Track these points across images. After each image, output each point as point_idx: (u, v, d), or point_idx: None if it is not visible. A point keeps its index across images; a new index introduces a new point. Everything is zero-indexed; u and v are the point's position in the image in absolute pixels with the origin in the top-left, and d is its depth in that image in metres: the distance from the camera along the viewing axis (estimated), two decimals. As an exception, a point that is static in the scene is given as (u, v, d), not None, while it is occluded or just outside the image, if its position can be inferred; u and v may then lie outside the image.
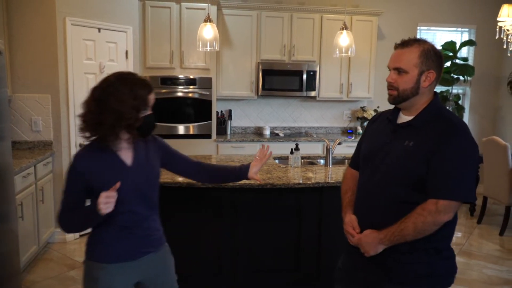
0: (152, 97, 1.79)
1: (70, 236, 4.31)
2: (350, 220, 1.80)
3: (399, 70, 1.67)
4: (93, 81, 4.42)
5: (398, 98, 1.69)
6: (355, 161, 1.96)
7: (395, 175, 1.67)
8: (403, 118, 1.75)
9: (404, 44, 1.68)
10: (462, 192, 1.58)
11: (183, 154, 2.13)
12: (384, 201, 1.70)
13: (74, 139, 4.28)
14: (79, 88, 4.29)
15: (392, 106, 1.80)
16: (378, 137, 1.81)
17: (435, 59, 1.66)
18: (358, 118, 6.08)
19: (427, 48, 1.66)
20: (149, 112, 1.78)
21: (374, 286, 1.73)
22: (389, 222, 1.65)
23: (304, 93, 5.63)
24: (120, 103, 1.68)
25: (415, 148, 1.63)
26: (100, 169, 1.73)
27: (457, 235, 4.81)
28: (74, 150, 4.27)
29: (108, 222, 1.73)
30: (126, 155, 1.79)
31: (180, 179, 2.96)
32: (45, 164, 3.98)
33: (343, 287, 1.89)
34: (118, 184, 1.65)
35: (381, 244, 1.64)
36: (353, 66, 5.73)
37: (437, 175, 1.57)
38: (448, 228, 1.67)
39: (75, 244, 4.25)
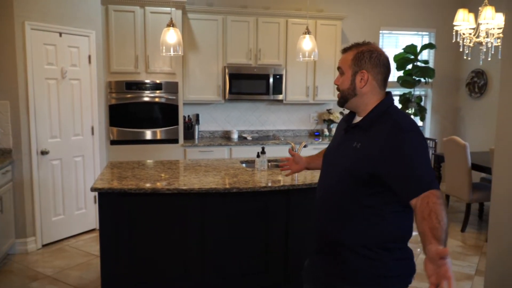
0: None
1: (32, 247, 4.18)
2: None
3: (340, 72, 1.75)
4: (54, 86, 4.32)
5: (341, 100, 1.77)
6: None
7: (345, 176, 1.68)
8: (356, 119, 1.78)
9: (347, 48, 1.76)
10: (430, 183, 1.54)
11: None
12: (336, 202, 1.72)
13: (36, 146, 4.16)
14: (40, 94, 4.18)
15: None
16: (335, 138, 1.88)
17: (369, 60, 1.68)
18: (324, 120, 6.17)
19: (361, 50, 1.70)
20: None
21: (333, 287, 1.75)
22: (341, 223, 1.69)
23: (271, 97, 5.67)
24: None
25: (362, 149, 1.64)
26: None
27: (421, 233, 4.93)
28: (35, 158, 4.15)
29: None
30: None
31: (148, 184, 2.92)
32: (4, 172, 3.84)
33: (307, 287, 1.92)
34: None
35: (442, 253, 1.31)
36: (319, 69, 5.81)
37: (404, 176, 1.56)
38: (402, 229, 1.68)
39: (37, 254, 4.12)
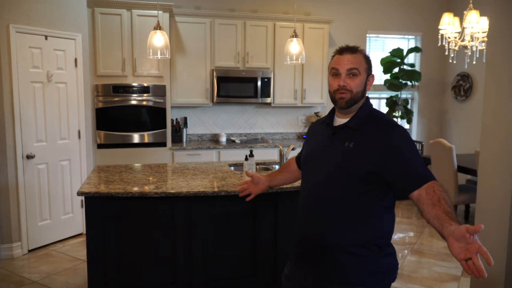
0: None
1: (18, 252, 4.12)
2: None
3: (353, 73, 1.71)
4: (40, 90, 4.27)
5: (351, 101, 1.72)
6: (298, 156, 2.16)
7: (338, 176, 1.70)
8: (339, 121, 1.80)
9: (352, 50, 1.75)
10: (430, 174, 1.63)
11: None
12: (327, 203, 1.73)
13: (21, 151, 4.11)
14: (25, 97, 4.13)
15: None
16: (318, 141, 1.85)
17: (371, 65, 1.80)
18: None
19: (367, 56, 1.78)
20: None
21: None
22: (333, 223, 1.71)
23: (259, 100, 5.67)
24: None
25: (356, 148, 1.67)
26: None
27: (409, 234, 4.98)
28: (20, 162, 4.09)
29: None
30: None
31: (136, 188, 2.90)
32: (-11, 177, 3.79)
33: None
34: None
35: (462, 229, 1.38)
36: (306, 72, 5.84)
37: (402, 170, 1.61)
38: (391, 225, 1.76)
39: (23, 260, 4.07)
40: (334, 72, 1.75)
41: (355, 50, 1.74)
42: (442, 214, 1.46)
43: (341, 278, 1.71)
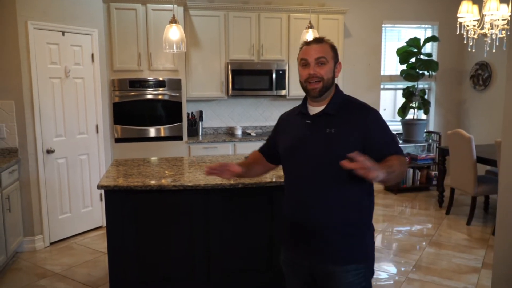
0: None
1: (40, 245, 4.21)
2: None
3: (321, 62, 1.80)
4: (58, 85, 4.33)
5: (323, 89, 1.82)
6: (263, 149, 2.19)
7: (324, 162, 1.78)
8: (314, 109, 1.88)
9: (318, 40, 1.86)
10: (400, 149, 1.84)
11: None
12: (316, 188, 1.80)
13: (41, 145, 4.18)
14: (44, 93, 4.19)
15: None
16: (296, 131, 1.90)
17: (338, 54, 1.89)
18: (328, 115, 6.15)
19: (333, 45, 1.88)
20: None
21: (320, 270, 1.85)
22: (323, 207, 1.79)
23: (274, 92, 5.66)
24: None
25: (337, 132, 1.77)
26: None
27: (427, 226, 4.94)
28: (41, 157, 4.17)
29: None
30: None
31: (154, 181, 2.93)
32: (11, 172, 3.87)
33: (292, 278, 1.99)
34: None
35: (381, 170, 1.58)
36: (322, 64, 5.78)
37: (381, 143, 1.78)
38: (372, 204, 1.91)
39: (45, 252, 4.15)
40: (303, 63, 1.85)
41: (321, 40, 1.85)
42: (384, 163, 1.67)
43: (334, 257, 1.81)
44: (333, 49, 1.86)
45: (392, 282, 3.60)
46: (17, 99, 4.02)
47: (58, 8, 4.27)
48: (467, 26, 4.60)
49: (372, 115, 1.81)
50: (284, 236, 1.99)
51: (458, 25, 4.65)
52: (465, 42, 4.75)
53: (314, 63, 1.81)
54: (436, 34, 6.53)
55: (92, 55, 4.64)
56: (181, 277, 3.08)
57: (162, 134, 5.20)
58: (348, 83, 6.17)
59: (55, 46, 4.28)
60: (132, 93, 5.02)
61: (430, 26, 6.66)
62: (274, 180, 3.01)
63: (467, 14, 4.46)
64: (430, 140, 6.50)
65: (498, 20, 4.38)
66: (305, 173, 1.83)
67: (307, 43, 1.87)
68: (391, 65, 6.65)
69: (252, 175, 2.27)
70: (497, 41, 4.59)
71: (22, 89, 4.02)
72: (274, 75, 5.59)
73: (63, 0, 4.31)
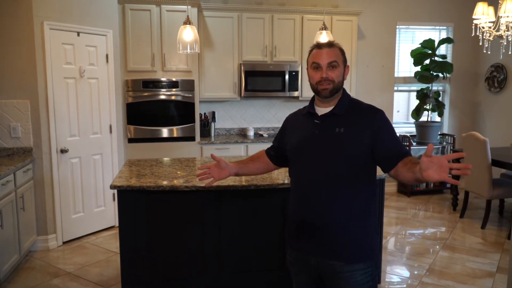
0: None
1: (53, 244, 4.25)
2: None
3: (333, 65, 1.86)
4: (73, 85, 4.37)
5: (333, 90, 1.87)
6: (270, 152, 2.22)
7: (333, 161, 1.82)
8: (322, 110, 1.93)
9: (330, 45, 1.91)
10: (407, 150, 1.88)
11: None
12: (325, 186, 1.83)
13: (55, 145, 4.22)
14: (59, 93, 4.24)
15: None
16: (305, 131, 1.94)
17: (346, 57, 1.95)
18: (340, 117, 6.12)
19: (342, 49, 1.94)
20: None
21: (326, 268, 1.86)
22: (331, 204, 1.82)
23: (287, 93, 5.65)
24: None
25: (346, 132, 1.83)
26: None
27: (441, 229, 4.88)
28: (55, 156, 4.21)
29: None
30: None
31: (166, 182, 2.94)
32: (25, 171, 3.91)
33: (300, 278, 2.00)
34: None
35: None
36: (335, 65, 5.76)
37: (390, 143, 1.83)
38: (376, 196, 1.96)
39: (58, 251, 4.19)
40: (315, 66, 1.89)
41: (332, 45, 1.91)
42: (412, 165, 1.69)
43: (340, 254, 1.83)
44: (343, 52, 1.92)
45: (405, 285, 3.57)
46: (32, 98, 4.07)
47: (74, 9, 4.32)
48: (483, 28, 4.54)
49: (380, 115, 1.86)
50: (290, 234, 2.01)
51: (473, 26, 4.60)
52: (480, 44, 4.69)
53: (326, 66, 1.86)
54: (450, 36, 6.46)
55: (107, 55, 4.68)
56: (193, 277, 3.08)
57: (175, 135, 5.22)
58: (361, 84, 6.13)
59: (70, 47, 4.33)
60: (146, 94, 5.05)
61: (444, 27, 6.59)
62: (286, 182, 3.00)
63: (482, 15, 4.41)
64: (444, 143, 6.42)
65: (515, 21, 4.32)
66: (313, 171, 1.86)
67: (318, 47, 1.91)
68: (405, 66, 6.60)
69: (252, 172, 2.34)
70: (514, 43, 4.52)
71: (37, 89, 4.07)
72: (287, 76, 5.58)
73: (79, 1, 4.36)
